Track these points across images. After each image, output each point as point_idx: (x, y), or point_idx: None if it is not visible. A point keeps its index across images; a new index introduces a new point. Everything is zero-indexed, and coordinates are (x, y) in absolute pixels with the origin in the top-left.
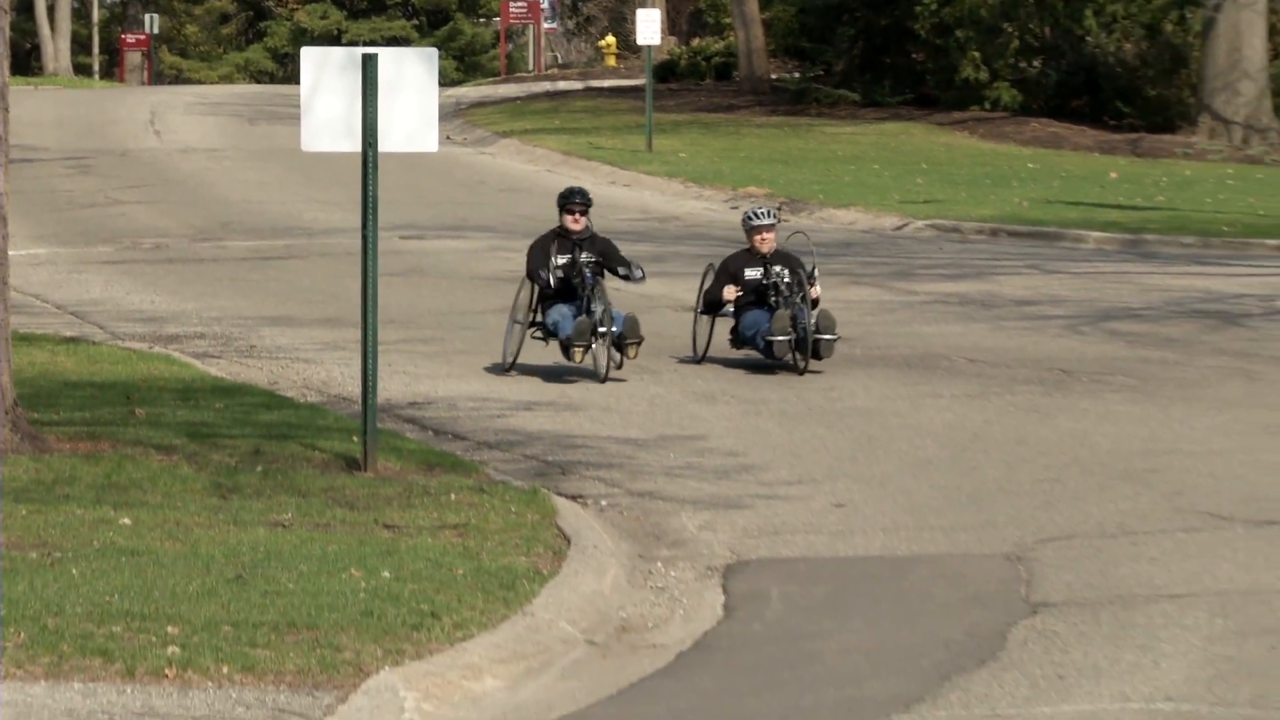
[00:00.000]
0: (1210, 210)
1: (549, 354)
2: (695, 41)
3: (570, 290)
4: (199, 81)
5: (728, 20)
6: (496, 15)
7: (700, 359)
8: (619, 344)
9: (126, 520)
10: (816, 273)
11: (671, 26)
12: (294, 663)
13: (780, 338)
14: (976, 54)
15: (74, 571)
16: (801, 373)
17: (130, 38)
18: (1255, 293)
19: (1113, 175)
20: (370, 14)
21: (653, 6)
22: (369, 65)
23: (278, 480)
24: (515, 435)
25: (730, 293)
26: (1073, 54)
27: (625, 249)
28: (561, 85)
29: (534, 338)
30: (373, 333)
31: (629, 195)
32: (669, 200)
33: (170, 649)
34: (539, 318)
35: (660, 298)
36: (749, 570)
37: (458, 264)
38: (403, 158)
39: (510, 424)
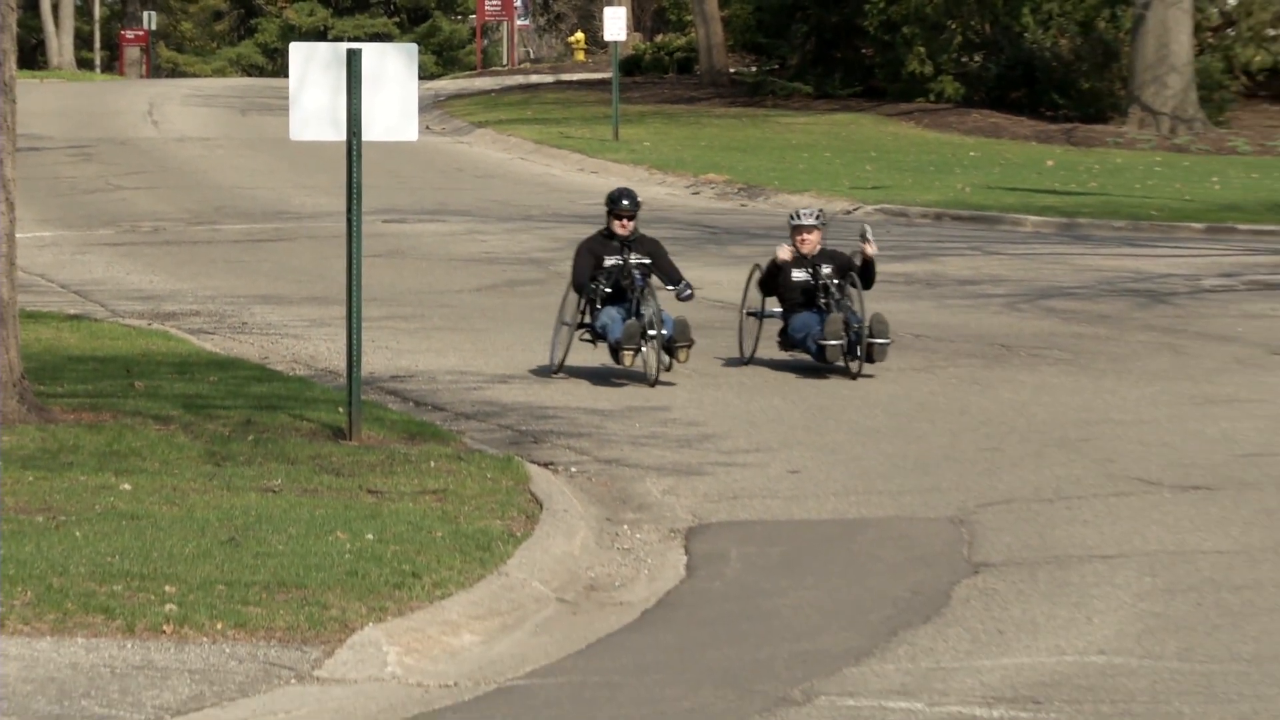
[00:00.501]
0: (1140, 196)
1: (596, 356)
2: (659, 37)
3: (619, 292)
4: (194, 75)
5: (689, 17)
6: (472, 12)
7: (747, 360)
8: (669, 347)
9: (126, 486)
10: (870, 233)
11: (637, 23)
12: (284, 619)
13: (833, 342)
14: (921, 49)
15: (77, 534)
16: (854, 377)
17: (130, 34)
18: (1181, 272)
19: (1049, 163)
20: (354, 11)
21: (619, 4)
22: (353, 60)
23: (268, 448)
24: (491, 406)
25: (785, 251)
26: (1011, 49)
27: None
28: (534, 79)
29: (582, 340)
30: (357, 310)
31: (597, 181)
32: (635, 186)
33: (168, 606)
34: (587, 319)
35: None
36: (709, 532)
37: (436, 246)
38: (385, 146)
39: (486, 396)
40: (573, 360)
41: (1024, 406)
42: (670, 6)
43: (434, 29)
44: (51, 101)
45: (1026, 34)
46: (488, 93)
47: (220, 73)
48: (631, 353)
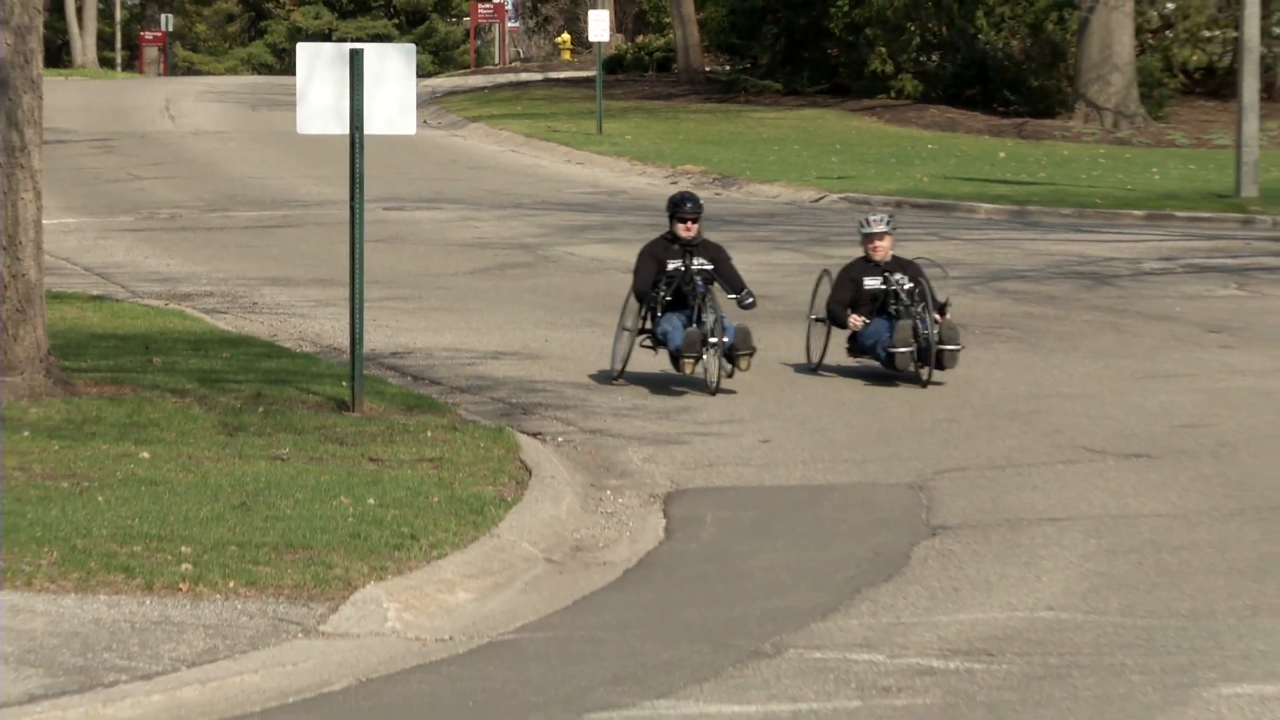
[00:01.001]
0: (1085, 185)
1: (657, 363)
2: (640, 38)
3: (680, 298)
4: (208, 73)
5: (668, 20)
6: (467, 15)
7: (815, 367)
8: (730, 355)
9: (145, 454)
10: (949, 303)
11: (619, 25)
12: (291, 578)
13: (902, 349)
14: (883, 49)
15: (100, 499)
16: (924, 384)
17: (148, 34)
18: (1124, 256)
19: (1001, 155)
20: (357, 14)
21: (602, 8)
22: (356, 59)
23: (277, 420)
24: (484, 380)
25: (856, 322)
26: (966, 49)
27: (580, 219)
28: (523, 77)
29: (643, 346)
30: (359, 291)
31: (582, 172)
32: (617, 176)
33: (184, 566)
34: (648, 324)
35: (611, 261)
36: (687, 498)
37: (433, 232)
38: (385, 139)
39: (480, 371)
40: (633, 366)
41: (978, 381)
42: (650, 9)
43: (431, 30)
44: (75, 98)
45: (980, 35)
46: (480, 90)
47: (232, 71)
48: (692, 360)
